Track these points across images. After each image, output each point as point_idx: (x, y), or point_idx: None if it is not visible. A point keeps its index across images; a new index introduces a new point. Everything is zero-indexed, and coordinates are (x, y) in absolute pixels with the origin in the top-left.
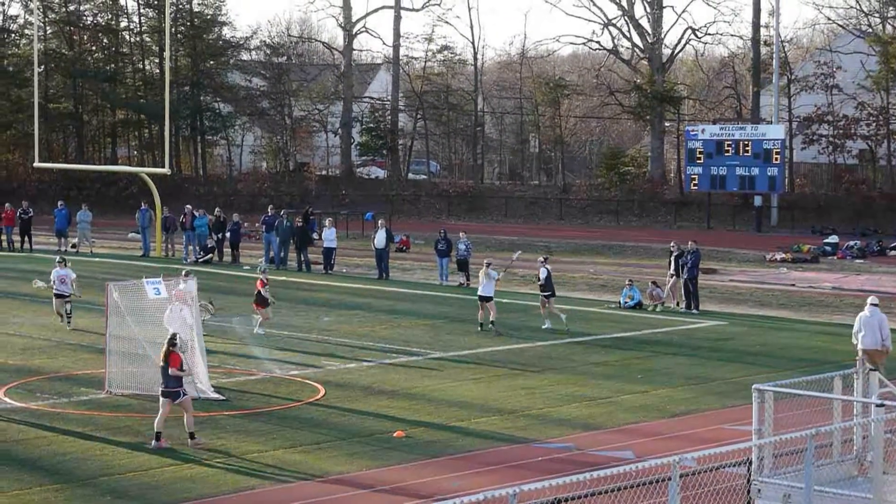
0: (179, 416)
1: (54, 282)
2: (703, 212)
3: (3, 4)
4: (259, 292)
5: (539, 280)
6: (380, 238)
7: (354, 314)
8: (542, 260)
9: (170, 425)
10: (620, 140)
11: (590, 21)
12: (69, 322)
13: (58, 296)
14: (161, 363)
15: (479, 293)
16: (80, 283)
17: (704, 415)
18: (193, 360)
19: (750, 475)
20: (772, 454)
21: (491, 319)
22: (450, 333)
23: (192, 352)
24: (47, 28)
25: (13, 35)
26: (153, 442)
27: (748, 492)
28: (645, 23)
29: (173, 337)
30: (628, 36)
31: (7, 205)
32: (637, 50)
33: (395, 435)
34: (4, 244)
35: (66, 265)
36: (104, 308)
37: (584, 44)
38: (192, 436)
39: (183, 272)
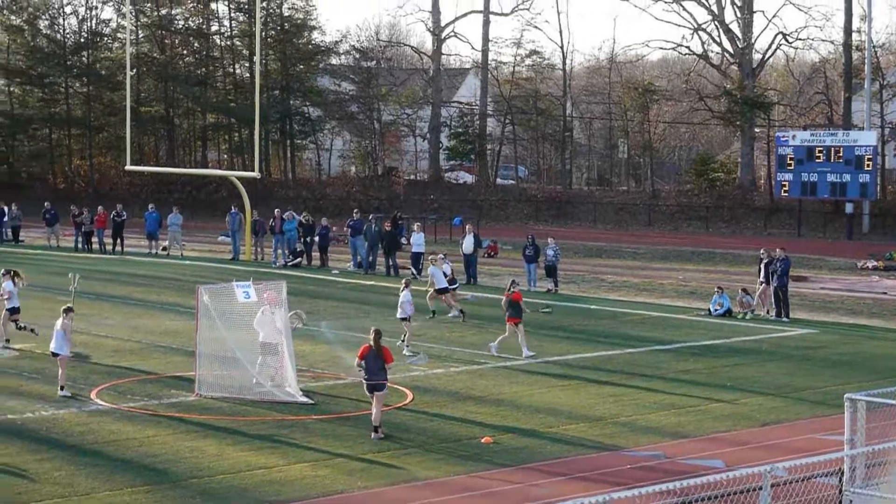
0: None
1: (7, 295)
2: (794, 219)
3: (96, 9)
4: (517, 304)
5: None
6: (467, 243)
7: (442, 319)
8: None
9: (258, 427)
10: (710, 146)
11: (679, 26)
12: (32, 329)
13: (14, 311)
14: (369, 358)
15: (436, 287)
16: (169, 285)
17: (795, 424)
18: (283, 363)
19: (842, 486)
20: (864, 465)
21: (460, 308)
22: (538, 340)
23: (282, 356)
24: (139, 32)
25: (106, 39)
26: (373, 434)
27: (840, 503)
28: (735, 27)
29: (379, 331)
30: (718, 41)
31: (99, 207)
32: (727, 55)
33: (482, 441)
34: (96, 246)
35: (8, 276)
36: (194, 311)
37: (673, 49)
38: (375, 429)
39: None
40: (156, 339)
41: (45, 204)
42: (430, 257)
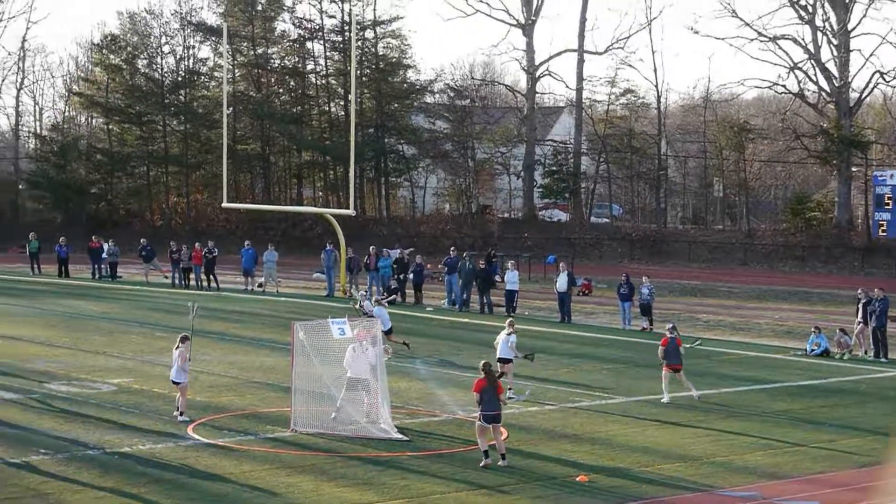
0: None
1: None
2: (892, 258)
3: (194, 48)
4: (678, 350)
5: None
6: (562, 281)
7: (536, 357)
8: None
9: (353, 463)
10: (806, 184)
11: (775, 64)
12: None
13: None
14: (487, 391)
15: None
16: (265, 321)
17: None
18: (377, 400)
19: None
20: None
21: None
22: (633, 378)
23: (376, 392)
24: (236, 71)
25: (203, 78)
26: (483, 460)
27: None
28: (832, 66)
29: (488, 364)
30: (815, 80)
31: (196, 244)
32: (824, 94)
33: (578, 479)
34: (193, 282)
35: None
36: (290, 347)
37: (769, 87)
38: (503, 456)
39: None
40: (251, 375)
41: (142, 240)
42: (375, 299)
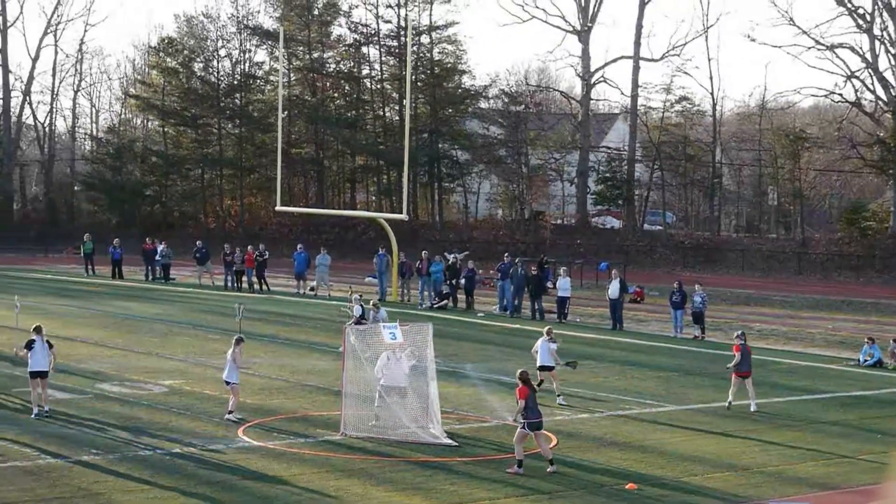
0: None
1: (28, 353)
2: None
3: (250, 52)
4: (749, 357)
5: None
6: (614, 288)
7: (587, 364)
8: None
9: (402, 468)
10: (861, 194)
11: (832, 73)
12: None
13: (36, 375)
14: (531, 398)
15: None
16: (316, 325)
17: None
18: (426, 405)
19: None
20: None
21: None
22: (683, 386)
23: (417, 399)
24: (291, 75)
25: (258, 82)
26: (515, 467)
27: None
28: (889, 75)
29: (525, 372)
30: (872, 88)
31: (249, 247)
32: (881, 103)
33: (626, 487)
34: (245, 285)
35: (40, 332)
36: (341, 351)
37: (825, 96)
38: (551, 462)
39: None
40: (302, 378)
41: (198, 243)
42: (373, 302)
